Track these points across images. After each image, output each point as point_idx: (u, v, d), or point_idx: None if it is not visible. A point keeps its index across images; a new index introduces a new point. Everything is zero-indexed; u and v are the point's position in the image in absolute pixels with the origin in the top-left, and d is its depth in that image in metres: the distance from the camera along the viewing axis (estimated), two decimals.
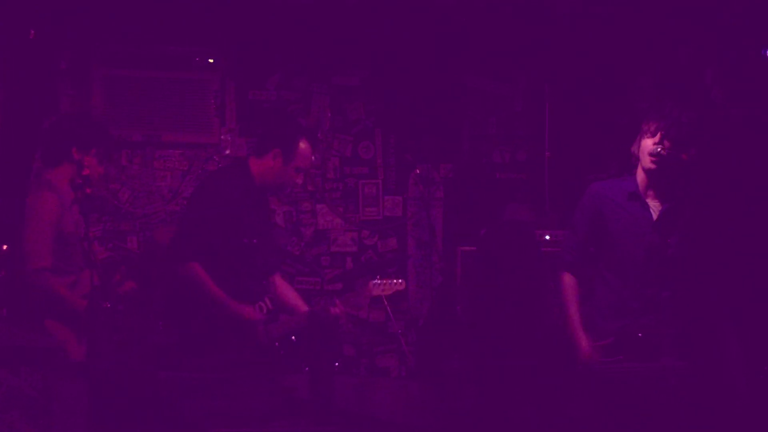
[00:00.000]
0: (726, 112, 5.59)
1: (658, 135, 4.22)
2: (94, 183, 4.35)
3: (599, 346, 4.30)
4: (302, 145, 4.73)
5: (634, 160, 4.40)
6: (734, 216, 4.63)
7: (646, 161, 4.26)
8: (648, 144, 4.25)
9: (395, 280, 5.24)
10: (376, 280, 5.15)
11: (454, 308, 6.03)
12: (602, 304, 4.40)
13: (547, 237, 5.98)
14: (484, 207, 6.84)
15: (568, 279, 4.46)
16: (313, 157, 4.92)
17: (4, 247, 4.20)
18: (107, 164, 4.72)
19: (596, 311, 4.42)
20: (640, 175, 4.36)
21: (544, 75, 6.96)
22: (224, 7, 6.18)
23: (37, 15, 5.24)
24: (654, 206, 4.35)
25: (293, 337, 4.79)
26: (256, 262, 4.79)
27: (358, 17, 6.25)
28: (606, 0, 6.15)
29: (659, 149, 4.19)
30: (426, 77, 6.83)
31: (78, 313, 4.30)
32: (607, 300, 4.38)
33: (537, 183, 6.96)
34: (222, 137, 6.76)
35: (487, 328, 5.18)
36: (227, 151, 6.76)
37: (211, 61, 6.64)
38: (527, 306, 5.31)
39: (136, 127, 6.58)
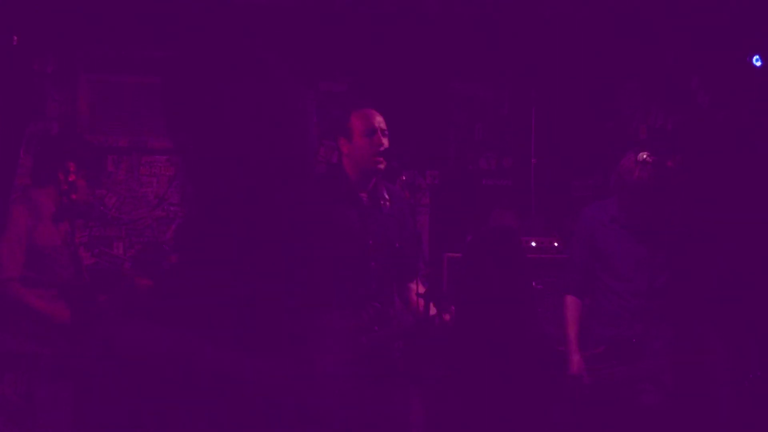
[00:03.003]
0: (712, 117, 5.61)
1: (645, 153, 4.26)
2: (80, 190, 4.34)
3: (592, 355, 4.38)
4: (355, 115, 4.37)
5: (613, 185, 4.46)
6: (720, 220, 4.66)
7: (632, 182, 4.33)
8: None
9: None
10: None
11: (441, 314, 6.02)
12: (601, 314, 4.52)
13: (533, 243, 5.99)
14: (470, 213, 6.84)
15: (570, 301, 4.59)
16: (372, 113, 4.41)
17: None
18: (90, 179, 4.68)
19: (595, 319, 4.55)
20: (622, 198, 4.43)
21: (531, 81, 6.98)
22: (214, 12, 6.17)
23: (21, 21, 5.23)
24: (635, 222, 4.42)
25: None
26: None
27: (344, 23, 6.24)
28: (592, 5, 6.16)
29: (645, 157, 4.21)
30: (412, 83, 6.83)
31: (62, 323, 4.28)
32: (605, 309, 4.50)
33: (523, 189, 6.97)
34: None
35: (474, 335, 5.18)
36: None
37: None
38: (513, 312, 5.31)
39: (123, 132, 6.56)
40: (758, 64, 5.31)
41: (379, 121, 4.29)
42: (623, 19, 6.19)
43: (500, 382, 5.03)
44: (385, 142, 4.27)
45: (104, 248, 6.53)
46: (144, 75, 6.56)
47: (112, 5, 6.05)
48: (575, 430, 4.37)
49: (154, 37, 6.44)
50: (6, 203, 4.37)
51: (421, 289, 4.21)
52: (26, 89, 6.19)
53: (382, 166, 4.25)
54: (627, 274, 4.40)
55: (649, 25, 6.11)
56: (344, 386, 1.68)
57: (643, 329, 4.33)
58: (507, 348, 5.08)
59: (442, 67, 6.87)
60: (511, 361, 5.06)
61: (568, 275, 4.67)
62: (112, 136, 6.48)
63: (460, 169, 7.04)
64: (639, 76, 6.54)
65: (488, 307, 5.19)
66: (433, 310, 4.13)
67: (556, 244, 5.82)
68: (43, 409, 4.03)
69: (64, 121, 6.42)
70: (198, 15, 6.17)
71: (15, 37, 4.71)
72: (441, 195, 6.97)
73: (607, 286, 4.48)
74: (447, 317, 4.24)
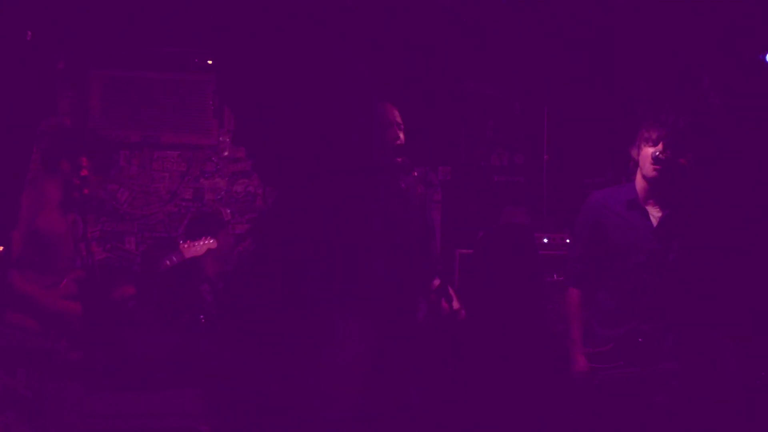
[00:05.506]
0: (723, 117, 5.60)
1: (660, 144, 4.15)
2: (91, 185, 4.33)
3: (598, 353, 4.26)
4: None
5: (632, 165, 4.35)
6: (732, 220, 4.63)
7: (648, 169, 4.19)
8: (649, 152, 4.19)
9: (206, 240, 5.15)
10: (185, 243, 5.09)
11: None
12: (602, 312, 4.34)
13: (545, 240, 5.98)
14: (481, 210, 6.84)
15: (573, 294, 4.41)
16: (388, 107, 4.30)
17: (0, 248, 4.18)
18: (102, 173, 4.64)
19: (595, 319, 4.36)
20: (640, 183, 4.29)
21: (543, 78, 6.97)
22: (222, 8, 6.18)
23: (34, 16, 5.24)
24: (654, 213, 4.29)
25: None
26: None
27: (356, 20, 6.24)
28: (604, 4, 6.15)
29: (659, 154, 4.13)
30: (424, 80, 6.82)
31: (52, 312, 4.23)
32: (607, 308, 4.31)
33: (535, 186, 6.96)
34: (220, 138, 6.75)
35: (485, 330, 5.18)
36: (225, 153, 6.76)
37: (209, 62, 6.64)
38: (523, 308, 5.30)
39: (135, 128, 6.57)
40: None
41: (395, 115, 4.24)
42: (635, 18, 6.17)
43: (509, 377, 5.02)
44: (401, 136, 4.23)
45: (116, 243, 6.55)
46: (156, 70, 6.57)
47: (123, 0, 6.07)
48: (583, 430, 4.35)
49: (164, 32, 6.46)
50: (18, 199, 4.37)
51: (435, 284, 4.20)
52: (38, 86, 6.21)
53: (399, 161, 4.19)
54: (634, 269, 4.22)
55: (660, 24, 6.10)
56: (354, 398, 1.64)
57: (650, 329, 4.19)
58: (517, 343, 5.08)
59: (453, 65, 6.86)
60: (520, 356, 5.05)
61: (569, 265, 4.47)
62: (124, 132, 6.49)
63: (472, 166, 7.04)
64: (650, 75, 6.53)
65: (499, 303, 5.19)
66: (445, 304, 4.11)
67: (567, 241, 5.81)
68: (54, 405, 4.04)
69: (76, 117, 6.44)
70: (209, 9, 6.18)
71: (29, 32, 4.71)
72: (453, 191, 6.96)
73: (608, 282, 4.30)
74: (457, 306, 4.20)
